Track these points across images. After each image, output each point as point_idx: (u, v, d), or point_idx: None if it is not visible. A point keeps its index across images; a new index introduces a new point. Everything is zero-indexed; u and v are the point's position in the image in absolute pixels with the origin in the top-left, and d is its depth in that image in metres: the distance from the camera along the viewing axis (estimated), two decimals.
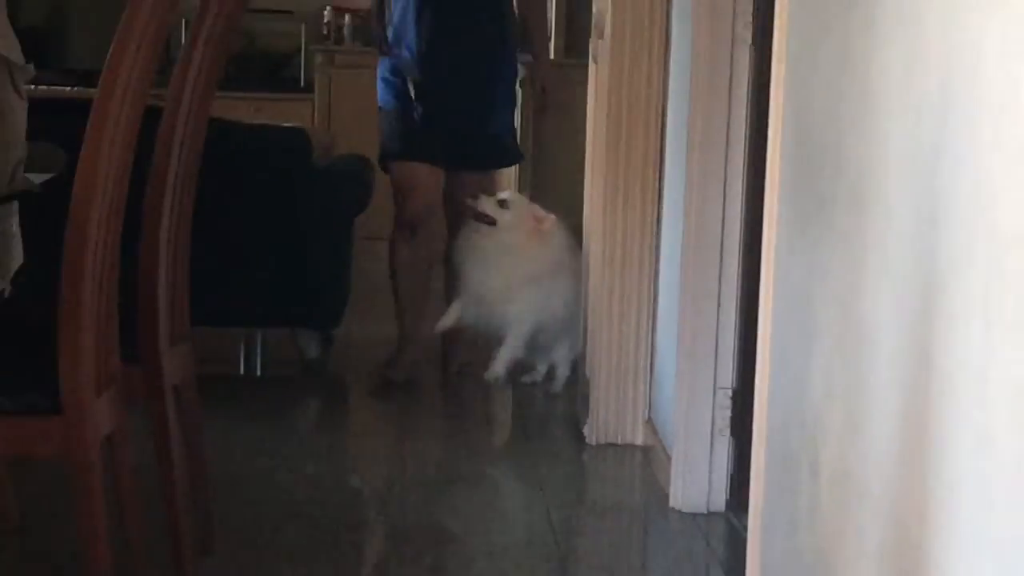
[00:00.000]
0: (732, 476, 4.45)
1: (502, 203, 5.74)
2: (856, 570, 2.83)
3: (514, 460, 5.29)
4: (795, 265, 3.42)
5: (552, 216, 5.88)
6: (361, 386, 6.08)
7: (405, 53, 5.84)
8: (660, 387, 5.00)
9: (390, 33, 5.94)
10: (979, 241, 2.29)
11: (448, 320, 5.97)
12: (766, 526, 3.57)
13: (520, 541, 4.58)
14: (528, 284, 5.70)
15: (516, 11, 6.19)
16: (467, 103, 5.92)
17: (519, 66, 6.47)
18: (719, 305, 4.47)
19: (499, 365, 5.62)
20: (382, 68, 6.05)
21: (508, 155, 6.28)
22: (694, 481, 4.55)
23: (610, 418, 5.24)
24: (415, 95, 5.89)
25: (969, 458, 2.31)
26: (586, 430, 5.27)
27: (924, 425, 2.49)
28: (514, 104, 6.25)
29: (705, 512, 4.53)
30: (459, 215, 5.83)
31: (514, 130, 6.22)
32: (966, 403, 2.32)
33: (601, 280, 5.20)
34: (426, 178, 5.85)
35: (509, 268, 5.69)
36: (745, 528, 3.71)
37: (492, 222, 5.62)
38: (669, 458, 4.65)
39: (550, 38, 8.19)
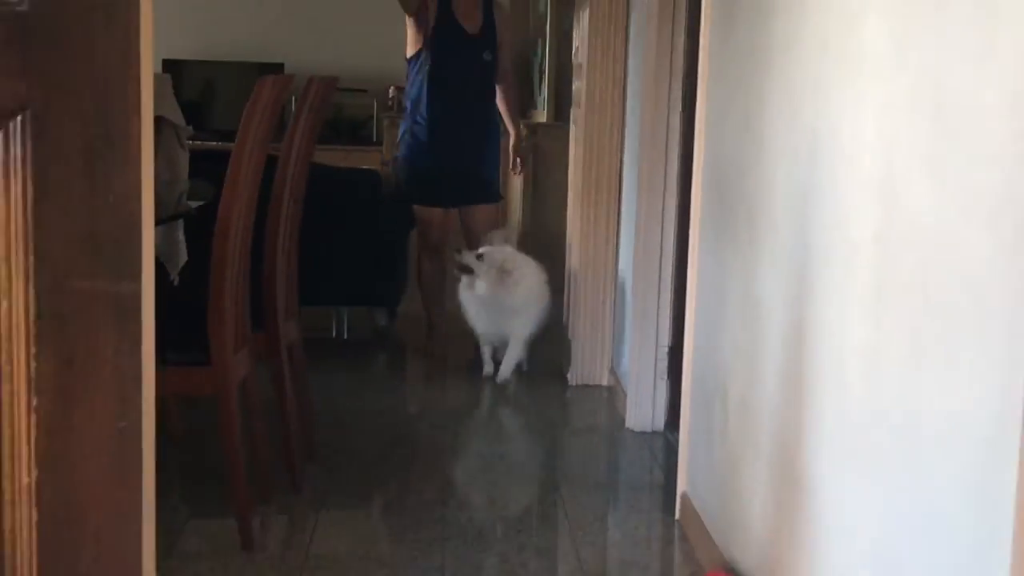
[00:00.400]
0: (668, 407, 4.45)
1: (479, 256, 5.29)
2: (753, 469, 2.83)
3: (517, 396, 5.29)
4: (710, 263, 3.42)
5: (519, 264, 5.35)
6: (413, 348, 6.07)
7: (419, 120, 5.63)
8: (620, 345, 5.01)
9: (408, 104, 5.78)
10: (836, 247, 2.29)
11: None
12: (691, 441, 3.57)
13: (521, 450, 4.61)
14: (499, 317, 5.33)
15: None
16: (466, 158, 5.67)
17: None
18: (659, 291, 4.49)
19: (505, 370, 5.30)
20: (403, 129, 5.82)
21: (495, 193, 5.94)
22: (642, 410, 4.56)
23: (585, 367, 5.24)
24: (427, 153, 5.66)
25: (830, 396, 2.31)
26: (569, 376, 5.27)
27: (798, 372, 2.50)
28: (499, 158, 5.94)
29: (650, 431, 4.54)
30: (473, 236, 5.67)
31: (499, 176, 6.00)
32: (827, 357, 2.33)
33: (579, 274, 5.22)
34: (440, 216, 5.67)
35: (482, 306, 5.33)
36: (677, 442, 3.72)
37: (469, 271, 5.24)
38: (625, 395, 4.65)
39: (540, 111, 8.24)
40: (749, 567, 2.82)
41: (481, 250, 5.40)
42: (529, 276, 5.36)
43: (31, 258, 1.03)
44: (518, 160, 6.22)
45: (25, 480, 1.07)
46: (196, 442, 4.17)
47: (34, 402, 1.05)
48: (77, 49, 1.04)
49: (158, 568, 3.03)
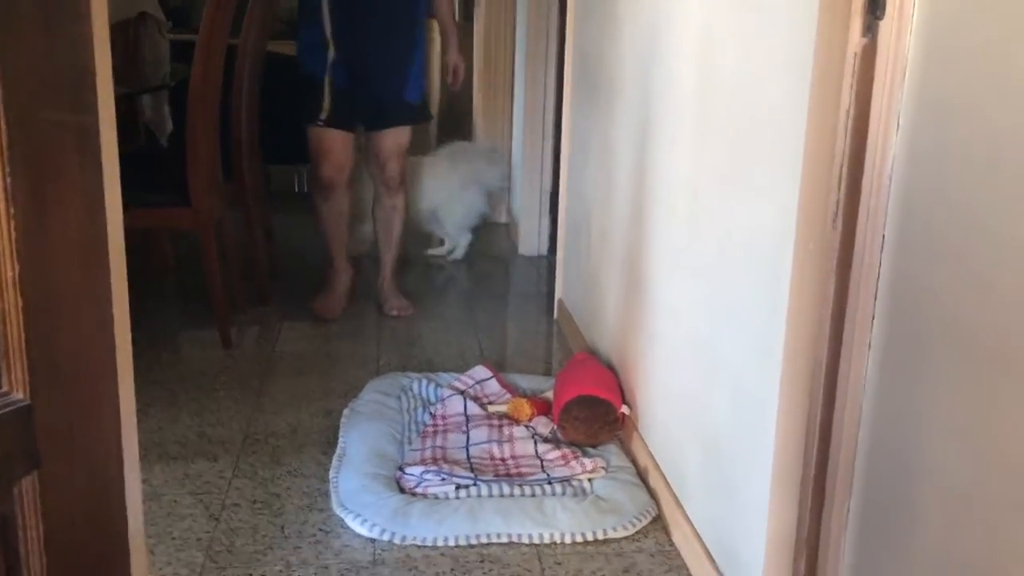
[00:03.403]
0: (549, 236, 4.45)
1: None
2: (608, 278, 2.84)
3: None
4: (579, 122, 3.37)
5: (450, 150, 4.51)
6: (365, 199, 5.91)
7: (317, 21, 3.29)
8: (514, 191, 4.96)
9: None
10: (669, 103, 2.26)
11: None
12: (565, 260, 3.58)
13: (439, 271, 4.58)
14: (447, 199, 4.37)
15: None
16: (382, 70, 3.38)
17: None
18: (542, 147, 4.44)
19: (459, 250, 4.47)
20: (304, 36, 3.36)
21: (421, 115, 3.61)
22: (530, 240, 4.57)
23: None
24: (333, 67, 3.32)
25: (663, 218, 2.31)
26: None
27: (640, 201, 2.49)
28: (423, 66, 3.54)
29: (536, 255, 4.55)
30: (383, 170, 3.54)
31: (425, 95, 3.65)
32: (662, 188, 2.32)
33: (482, 136, 5.12)
34: (341, 143, 3.41)
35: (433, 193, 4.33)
36: (555, 262, 3.72)
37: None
38: (518, 228, 4.64)
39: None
40: (606, 348, 2.86)
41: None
42: (464, 163, 4.46)
43: (0, 93, 0.96)
44: (455, 69, 3.65)
45: (9, 273, 1.01)
46: (183, 269, 4.08)
47: (12, 211, 0.99)
48: None
49: (160, 364, 3.02)
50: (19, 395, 1.02)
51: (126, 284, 1.27)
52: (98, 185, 1.07)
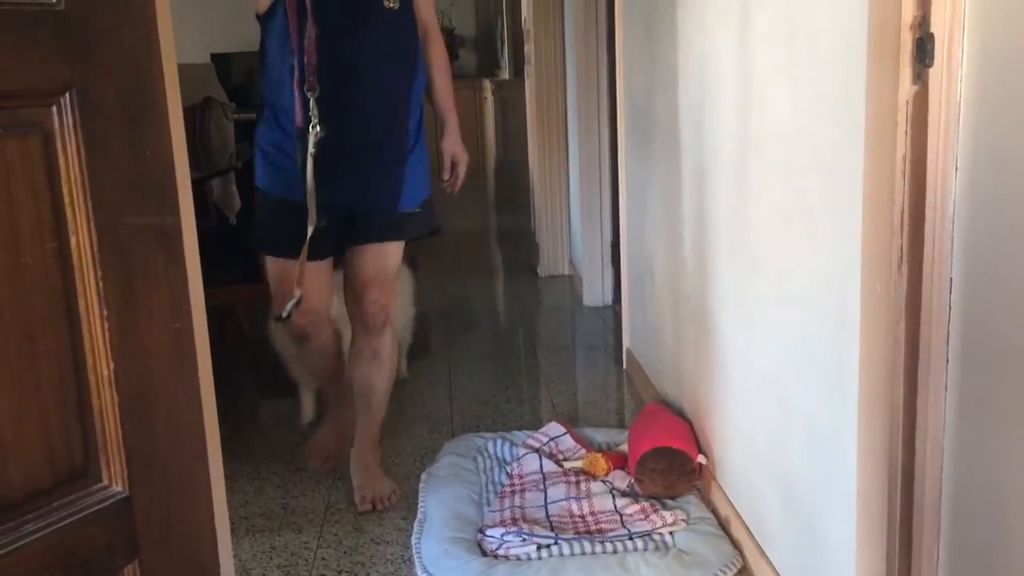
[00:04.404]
0: (613, 286, 4.46)
1: None
2: (676, 325, 2.84)
3: (503, 285, 5.30)
4: (635, 171, 3.40)
5: None
6: (427, 258, 6.01)
7: (288, 117, 2.27)
8: (574, 241, 5.00)
9: (267, 91, 2.33)
10: (724, 150, 2.28)
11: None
12: (631, 309, 3.59)
13: (506, 318, 4.61)
14: None
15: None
16: (372, 173, 2.35)
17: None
18: (600, 198, 4.47)
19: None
20: (260, 132, 2.37)
21: (420, 226, 2.49)
22: (594, 290, 4.58)
23: (549, 261, 5.24)
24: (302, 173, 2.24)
25: (724, 264, 2.31)
26: (539, 269, 5.27)
27: (702, 247, 2.50)
28: (427, 166, 2.47)
29: (601, 305, 4.56)
30: (359, 301, 2.47)
31: (430, 199, 2.49)
32: (722, 232, 2.33)
33: (539, 192, 5.18)
34: (316, 280, 2.40)
35: None
36: (620, 312, 3.73)
37: None
38: (581, 280, 4.66)
39: (504, 70, 8.09)
40: (677, 397, 2.85)
41: None
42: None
43: (89, 202, 1.02)
44: (455, 163, 2.56)
45: (105, 372, 1.07)
46: (257, 340, 4.16)
47: (104, 312, 1.05)
48: (108, 37, 1.02)
49: (240, 437, 3.08)
50: (118, 487, 1.07)
51: (211, 372, 1.33)
52: (182, 280, 1.12)
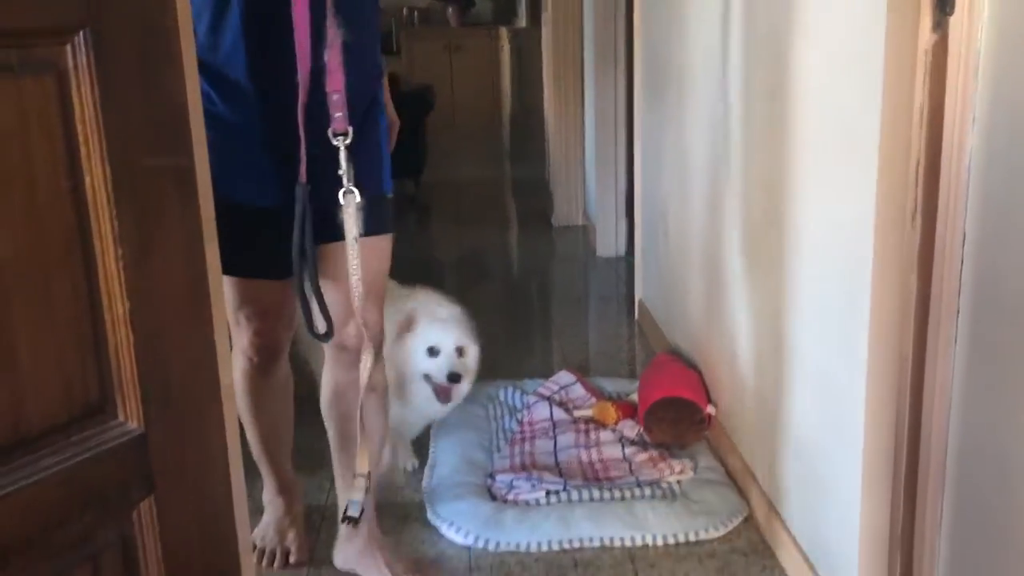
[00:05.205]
0: (627, 237, 4.45)
1: (460, 352, 2.26)
2: (689, 277, 2.84)
3: (517, 236, 5.31)
4: (650, 123, 3.38)
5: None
6: (438, 209, 6.01)
7: (221, 94, 1.65)
8: (589, 192, 4.98)
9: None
10: (741, 101, 2.26)
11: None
12: (644, 261, 3.58)
13: (519, 268, 4.62)
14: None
15: None
16: (329, 159, 1.51)
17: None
18: (615, 149, 4.45)
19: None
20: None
21: (385, 219, 1.80)
22: (607, 241, 4.57)
23: (564, 211, 5.23)
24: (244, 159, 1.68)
25: (738, 211, 2.31)
26: (552, 219, 5.26)
27: (717, 198, 2.49)
28: (386, 153, 1.83)
29: (614, 256, 4.56)
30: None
31: (389, 185, 1.82)
32: (737, 183, 2.32)
33: (554, 141, 5.16)
34: (278, 290, 1.84)
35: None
36: (633, 263, 3.73)
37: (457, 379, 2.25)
38: (595, 230, 4.65)
39: (521, 19, 7.98)
40: (689, 348, 2.86)
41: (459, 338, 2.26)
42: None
43: (104, 142, 1.03)
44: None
45: (121, 310, 1.07)
46: None
47: (119, 252, 1.06)
48: None
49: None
50: (133, 424, 1.09)
51: (224, 312, 1.34)
52: (197, 222, 1.13)
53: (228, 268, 1.29)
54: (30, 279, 0.98)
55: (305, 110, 1.45)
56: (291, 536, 2.11)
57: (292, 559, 2.08)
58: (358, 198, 1.52)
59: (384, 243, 1.80)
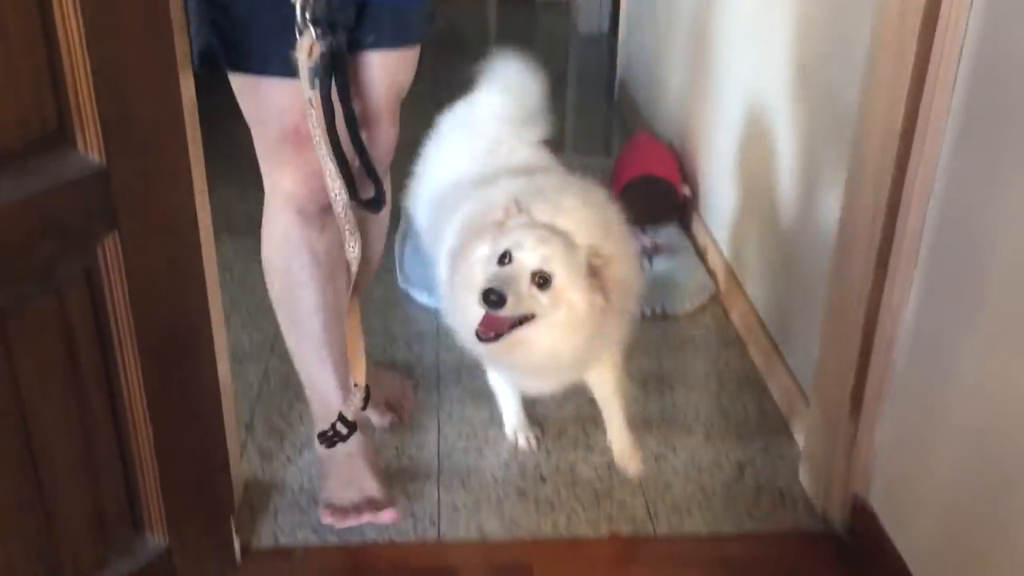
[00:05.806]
0: (611, 14, 4.30)
1: (542, 280, 1.34)
2: (673, 53, 2.75)
3: (496, 11, 5.10)
4: None
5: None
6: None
7: None
8: None
9: None
10: None
11: None
12: (629, 36, 3.46)
13: (497, 46, 4.44)
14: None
15: None
16: None
17: None
18: None
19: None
20: None
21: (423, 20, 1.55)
22: (590, 18, 4.43)
23: None
24: None
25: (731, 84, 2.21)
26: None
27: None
28: None
29: (597, 34, 4.43)
30: (375, 111, 1.52)
31: None
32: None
33: None
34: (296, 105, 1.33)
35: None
36: (616, 42, 3.60)
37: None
38: (578, 7, 4.48)
39: None
40: (668, 128, 2.81)
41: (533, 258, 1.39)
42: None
43: None
44: None
45: (76, 36, 1.03)
46: None
47: None
48: None
49: (233, 140, 3.00)
50: (94, 156, 1.04)
51: (191, 70, 1.26)
52: None
53: (270, 65, 1.18)
54: None
55: None
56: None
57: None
58: None
59: (416, 53, 1.60)
